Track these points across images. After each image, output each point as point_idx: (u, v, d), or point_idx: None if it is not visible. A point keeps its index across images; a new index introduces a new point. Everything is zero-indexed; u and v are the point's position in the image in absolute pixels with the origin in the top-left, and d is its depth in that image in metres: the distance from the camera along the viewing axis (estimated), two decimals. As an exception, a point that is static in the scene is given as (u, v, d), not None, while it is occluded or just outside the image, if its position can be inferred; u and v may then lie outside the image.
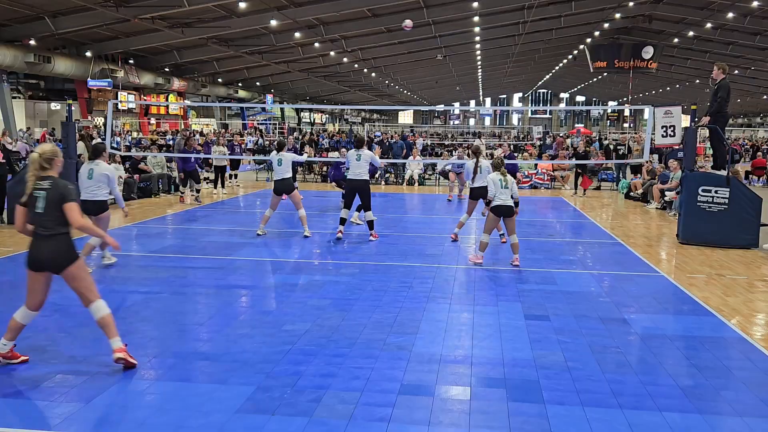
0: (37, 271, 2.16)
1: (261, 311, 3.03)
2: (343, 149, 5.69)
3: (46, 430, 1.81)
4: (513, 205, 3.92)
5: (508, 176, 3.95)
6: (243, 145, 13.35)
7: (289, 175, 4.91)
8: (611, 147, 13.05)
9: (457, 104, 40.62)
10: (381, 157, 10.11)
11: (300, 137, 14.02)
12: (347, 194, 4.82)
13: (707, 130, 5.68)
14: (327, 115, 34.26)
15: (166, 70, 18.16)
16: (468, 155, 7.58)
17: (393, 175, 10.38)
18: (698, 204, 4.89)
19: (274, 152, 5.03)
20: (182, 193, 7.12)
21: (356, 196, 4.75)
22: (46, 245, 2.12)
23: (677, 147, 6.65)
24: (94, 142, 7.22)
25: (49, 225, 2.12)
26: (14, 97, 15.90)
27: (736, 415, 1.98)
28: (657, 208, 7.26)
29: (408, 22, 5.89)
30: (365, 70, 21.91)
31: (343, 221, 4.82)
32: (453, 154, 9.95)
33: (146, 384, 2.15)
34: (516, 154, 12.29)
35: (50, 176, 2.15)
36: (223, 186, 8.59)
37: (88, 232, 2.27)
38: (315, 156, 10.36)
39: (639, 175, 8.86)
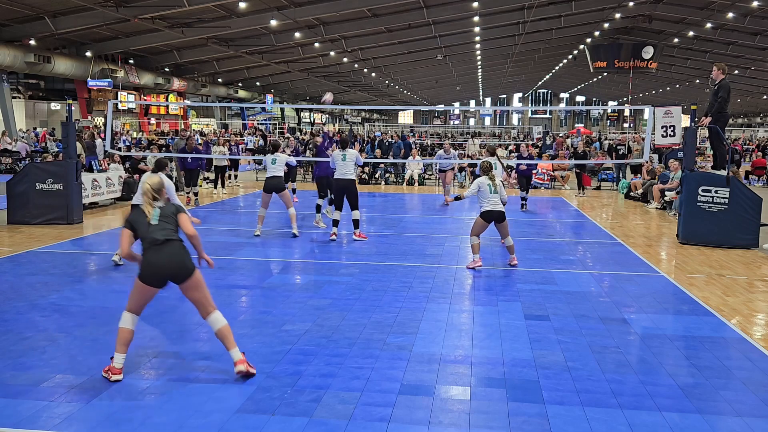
0: (156, 287, 2.13)
1: (261, 311, 3.03)
2: (329, 150, 5.74)
3: (47, 430, 1.81)
4: (503, 210, 3.87)
5: (497, 180, 3.89)
6: (242, 146, 13.33)
7: (281, 174, 4.97)
8: (612, 146, 13.03)
9: (457, 104, 40.62)
10: (381, 157, 10.27)
11: (301, 137, 13.94)
12: (336, 195, 4.87)
13: (706, 130, 5.68)
14: (327, 115, 34.24)
15: (166, 70, 18.17)
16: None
17: (393, 176, 10.37)
18: (698, 204, 4.89)
19: (269, 153, 5.15)
20: (187, 193, 7.12)
21: (344, 196, 4.81)
22: (168, 252, 2.11)
23: (677, 147, 6.66)
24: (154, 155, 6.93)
25: (166, 233, 2.14)
26: (14, 97, 15.91)
27: (735, 415, 1.98)
28: (657, 208, 7.27)
29: (328, 97, 5.66)
30: (365, 70, 21.94)
31: (336, 223, 4.87)
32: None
33: (146, 384, 2.15)
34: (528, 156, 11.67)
35: (159, 206, 2.21)
36: (223, 186, 8.59)
37: (196, 244, 2.25)
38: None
39: (639, 175, 8.86)
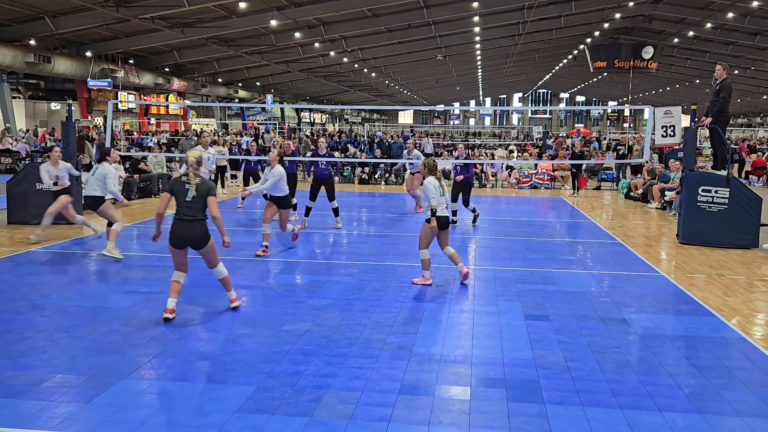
0: (180, 249, 2.83)
1: (261, 311, 3.03)
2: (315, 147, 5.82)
3: (47, 430, 1.81)
4: (451, 214, 3.47)
5: (443, 181, 3.41)
6: (239, 145, 13.29)
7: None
8: (609, 145, 12.98)
9: (457, 104, 40.58)
10: (381, 157, 10.21)
11: (304, 138, 13.73)
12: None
13: (707, 131, 5.67)
14: (327, 115, 34.24)
15: (166, 70, 18.16)
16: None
17: (393, 176, 10.36)
18: (698, 204, 4.88)
19: (268, 169, 4.66)
20: None
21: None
22: (190, 228, 2.79)
23: (677, 147, 6.64)
24: (95, 144, 7.08)
25: (194, 212, 2.80)
26: (14, 97, 15.89)
27: (735, 415, 1.98)
28: (657, 208, 7.25)
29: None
30: (365, 70, 21.92)
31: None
32: (453, 153, 9.66)
33: (146, 384, 2.15)
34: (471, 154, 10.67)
35: (201, 175, 2.87)
36: (223, 186, 8.58)
37: (219, 224, 2.86)
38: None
39: (639, 175, 8.85)
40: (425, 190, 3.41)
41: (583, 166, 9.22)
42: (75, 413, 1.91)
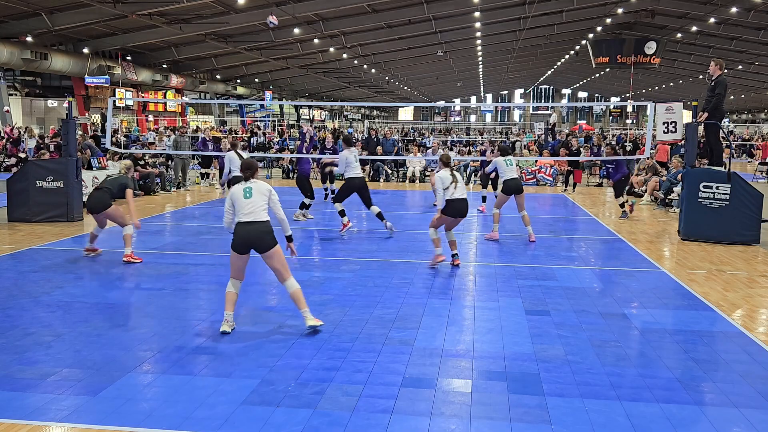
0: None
1: (263, 307, 3.05)
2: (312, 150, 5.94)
3: (55, 422, 1.84)
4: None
5: (456, 172, 3.70)
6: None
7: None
8: (614, 142, 12.90)
9: (458, 101, 40.31)
10: (376, 154, 10.14)
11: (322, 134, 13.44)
12: (350, 192, 5.38)
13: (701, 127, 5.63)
14: (326, 112, 34.08)
15: (164, 66, 18.06)
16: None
17: (393, 174, 10.31)
18: (699, 200, 4.89)
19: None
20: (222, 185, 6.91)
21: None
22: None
23: (678, 143, 6.62)
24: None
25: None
26: (11, 95, 15.83)
27: (733, 407, 2.00)
28: (648, 202, 7.27)
29: (271, 19, 5.84)
30: (365, 66, 21.80)
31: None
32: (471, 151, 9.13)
33: (152, 377, 2.18)
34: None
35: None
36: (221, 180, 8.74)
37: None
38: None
39: (642, 170, 8.81)
40: (436, 183, 3.70)
41: (579, 163, 9.14)
42: (82, 405, 1.94)
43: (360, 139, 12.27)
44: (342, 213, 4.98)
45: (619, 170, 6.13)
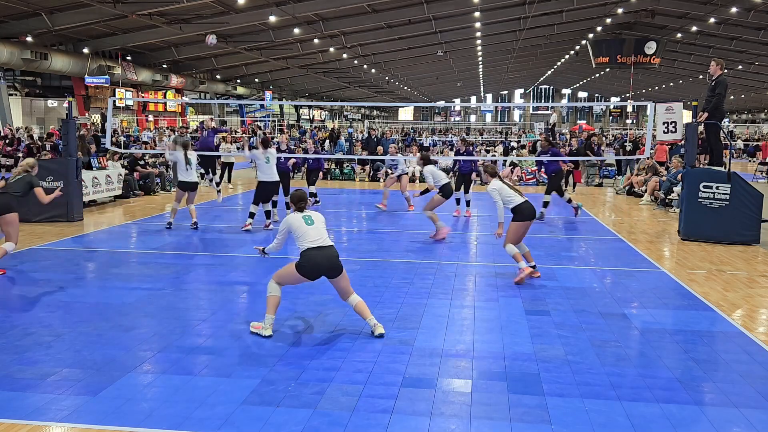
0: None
1: (263, 307, 3.01)
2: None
3: (55, 422, 1.84)
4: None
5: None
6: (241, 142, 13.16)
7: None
8: (611, 142, 12.91)
9: (458, 101, 40.31)
10: (376, 154, 10.16)
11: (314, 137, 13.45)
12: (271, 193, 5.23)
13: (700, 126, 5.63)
14: (326, 112, 34.07)
15: (164, 66, 18.06)
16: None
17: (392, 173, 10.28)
18: (699, 200, 4.89)
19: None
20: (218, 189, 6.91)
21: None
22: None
23: (679, 143, 6.62)
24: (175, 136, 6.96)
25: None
26: (11, 95, 15.82)
27: (732, 407, 2.00)
28: (648, 202, 7.25)
29: (211, 39, 5.93)
30: (365, 66, 21.80)
31: (252, 215, 5.21)
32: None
33: (151, 377, 2.18)
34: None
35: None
36: (229, 181, 8.61)
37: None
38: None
39: (642, 170, 8.82)
40: (493, 195, 3.59)
41: (579, 163, 9.14)
42: (82, 405, 1.94)
43: (360, 138, 12.28)
44: (252, 215, 5.01)
45: (553, 163, 5.85)
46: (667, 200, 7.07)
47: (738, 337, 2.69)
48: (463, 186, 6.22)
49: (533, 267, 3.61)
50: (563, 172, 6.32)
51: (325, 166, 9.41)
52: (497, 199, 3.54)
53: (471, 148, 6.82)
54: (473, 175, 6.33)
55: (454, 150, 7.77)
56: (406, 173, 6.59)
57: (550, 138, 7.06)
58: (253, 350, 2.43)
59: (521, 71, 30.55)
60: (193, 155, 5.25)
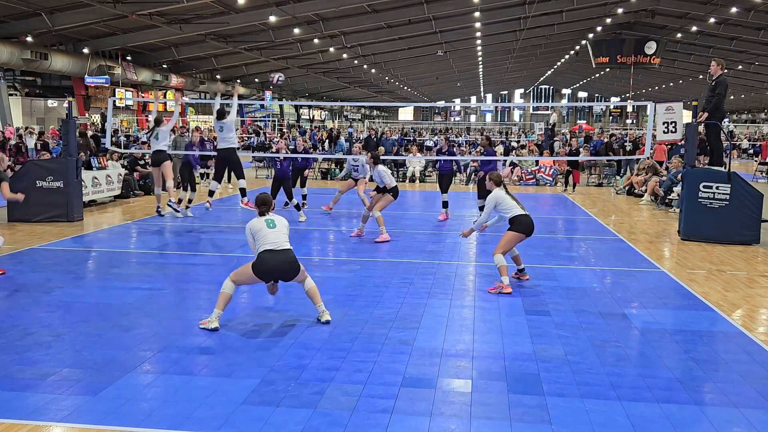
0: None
1: (263, 307, 3.05)
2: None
3: (55, 422, 1.84)
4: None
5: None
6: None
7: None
8: (610, 143, 12.95)
9: (458, 101, 40.32)
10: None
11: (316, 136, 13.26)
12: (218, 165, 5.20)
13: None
14: (326, 112, 34.07)
15: (164, 66, 18.07)
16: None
17: (393, 174, 10.21)
18: (699, 200, 4.89)
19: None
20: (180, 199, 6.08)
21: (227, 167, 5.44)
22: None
23: (679, 143, 6.62)
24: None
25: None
26: (11, 95, 15.84)
27: (732, 407, 2.00)
28: (648, 202, 7.24)
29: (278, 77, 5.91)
30: (365, 66, 21.83)
31: (211, 193, 5.27)
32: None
33: (151, 377, 2.18)
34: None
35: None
36: (229, 181, 8.62)
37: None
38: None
39: (642, 170, 8.82)
40: (488, 202, 3.50)
41: (579, 163, 9.16)
42: (82, 405, 1.94)
43: (360, 138, 12.30)
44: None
45: (488, 164, 5.44)
46: (667, 200, 7.08)
47: (738, 337, 2.69)
48: (442, 186, 6.00)
49: (521, 270, 3.59)
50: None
51: (312, 166, 9.27)
52: (489, 207, 3.47)
53: (453, 148, 6.71)
54: (481, 176, 5.84)
55: (436, 149, 7.62)
56: (364, 177, 6.21)
57: (491, 139, 6.68)
58: (253, 350, 2.43)
59: (521, 71, 30.62)
60: (162, 130, 5.26)
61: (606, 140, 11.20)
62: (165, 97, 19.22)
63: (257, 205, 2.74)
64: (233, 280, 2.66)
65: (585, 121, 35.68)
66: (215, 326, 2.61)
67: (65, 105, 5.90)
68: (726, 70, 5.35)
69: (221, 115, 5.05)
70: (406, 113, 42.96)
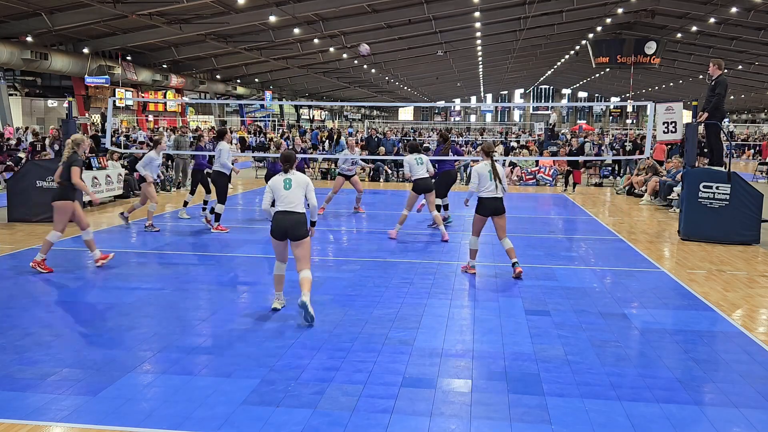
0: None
1: (263, 307, 3.05)
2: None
3: (55, 422, 1.84)
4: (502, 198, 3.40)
5: (499, 167, 3.47)
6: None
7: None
8: (611, 143, 12.96)
9: (458, 101, 40.32)
10: (377, 155, 10.17)
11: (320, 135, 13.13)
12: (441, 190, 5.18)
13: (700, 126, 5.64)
14: (326, 112, 34.06)
15: (164, 66, 18.08)
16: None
17: (393, 174, 10.27)
18: (699, 200, 4.89)
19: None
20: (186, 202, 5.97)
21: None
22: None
23: (679, 143, 6.62)
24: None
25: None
26: (11, 95, 15.84)
27: (732, 407, 2.00)
28: (648, 202, 7.24)
29: (364, 48, 5.69)
30: (365, 66, 21.86)
31: (218, 217, 5.18)
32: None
33: (151, 377, 2.18)
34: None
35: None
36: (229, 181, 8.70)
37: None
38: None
39: (643, 170, 8.82)
40: (472, 176, 3.58)
41: (579, 163, 9.12)
42: (82, 405, 1.94)
43: (360, 138, 12.31)
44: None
45: (445, 164, 5.15)
46: (667, 200, 7.09)
47: (738, 337, 2.69)
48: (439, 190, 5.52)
49: (514, 264, 3.61)
50: (454, 173, 5.50)
51: (309, 166, 9.22)
52: (473, 180, 3.50)
53: (456, 146, 6.42)
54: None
55: (432, 150, 7.27)
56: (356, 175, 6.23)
57: (445, 134, 5.90)
58: (253, 350, 2.43)
59: (521, 71, 30.60)
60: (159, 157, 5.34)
61: (633, 140, 11.02)
62: (165, 96, 19.24)
63: (281, 161, 2.82)
64: (277, 258, 2.83)
65: (585, 121, 35.69)
66: (275, 306, 2.85)
67: (65, 105, 5.91)
68: (725, 70, 5.36)
69: (221, 135, 5.18)
70: (406, 113, 43.01)
